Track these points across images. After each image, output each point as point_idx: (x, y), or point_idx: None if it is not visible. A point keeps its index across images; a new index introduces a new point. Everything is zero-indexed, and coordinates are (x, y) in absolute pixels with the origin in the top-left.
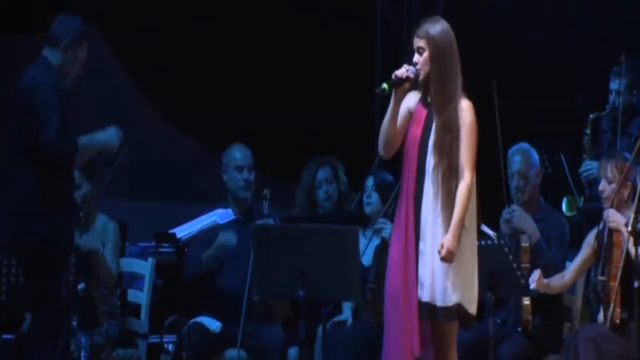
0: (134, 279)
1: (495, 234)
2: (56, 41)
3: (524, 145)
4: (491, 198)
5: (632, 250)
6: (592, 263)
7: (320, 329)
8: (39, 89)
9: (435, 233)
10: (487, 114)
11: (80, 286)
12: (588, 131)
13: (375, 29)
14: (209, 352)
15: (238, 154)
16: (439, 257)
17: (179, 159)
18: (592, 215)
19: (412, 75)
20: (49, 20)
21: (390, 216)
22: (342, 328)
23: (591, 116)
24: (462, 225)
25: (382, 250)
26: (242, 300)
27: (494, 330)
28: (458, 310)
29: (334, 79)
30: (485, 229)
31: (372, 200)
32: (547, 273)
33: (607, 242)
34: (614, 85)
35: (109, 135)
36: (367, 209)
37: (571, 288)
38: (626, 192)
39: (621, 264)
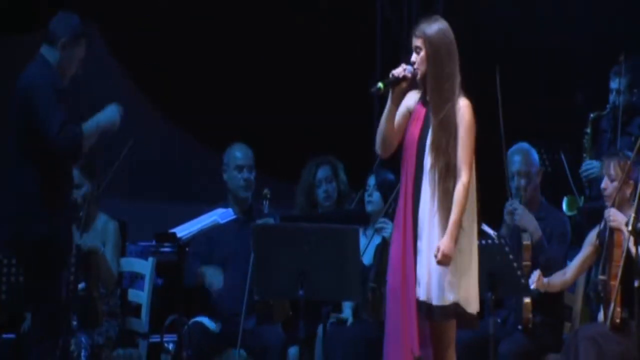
0: (134, 279)
1: (495, 233)
2: (54, 39)
3: (524, 145)
4: (492, 197)
5: (633, 249)
6: (593, 261)
7: (320, 329)
8: (38, 88)
9: (432, 232)
10: (487, 114)
11: (81, 286)
12: (588, 130)
13: (375, 29)
14: (209, 351)
15: (238, 153)
16: (433, 256)
17: (179, 159)
18: (592, 214)
19: (409, 75)
20: (49, 20)
21: (391, 216)
22: (342, 328)
23: (591, 115)
24: (459, 226)
25: (383, 249)
26: (242, 300)
27: (494, 330)
28: (455, 310)
29: (334, 79)
30: (485, 228)
31: (373, 199)
32: (548, 271)
33: (607, 241)
34: (614, 84)
35: (111, 113)
36: (369, 208)
37: (572, 287)
38: (628, 191)
39: (622, 263)
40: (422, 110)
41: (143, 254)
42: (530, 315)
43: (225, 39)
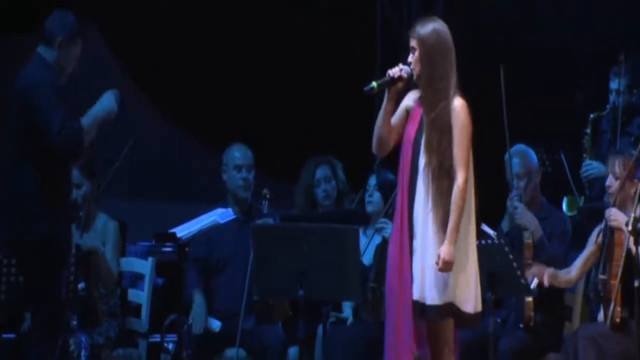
0: (134, 279)
1: (495, 233)
2: (51, 39)
3: (521, 146)
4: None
5: (633, 249)
6: (597, 259)
7: (320, 329)
8: (38, 88)
9: (426, 231)
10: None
11: (80, 286)
12: (588, 131)
13: (375, 29)
14: (209, 351)
15: (237, 153)
16: (428, 257)
17: (179, 159)
18: (592, 214)
19: (405, 75)
20: None
21: (392, 216)
22: (342, 328)
23: (591, 116)
24: (457, 231)
25: (383, 249)
26: (241, 300)
27: (493, 330)
28: (449, 310)
29: (334, 79)
30: (485, 228)
31: (374, 199)
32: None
33: (608, 241)
34: (613, 85)
35: (107, 102)
36: (369, 208)
37: (572, 287)
38: (632, 190)
39: (622, 263)
40: (419, 110)
41: (143, 254)
42: (532, 313)
43: (225, 39)
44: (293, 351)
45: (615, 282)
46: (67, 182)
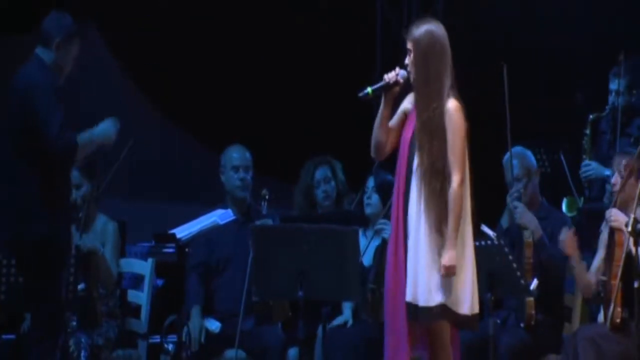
0: (134, 279)
1: (494, 234)
2: (48, 40)
3: (518, 148)
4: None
5: (633, 250)
6: None
7: (320, 330)
8: (38, 89)
9: (419, 232)
10: (487, 114)
11: (80, 286)
12: (588, 131)
13: (375, 29)
14: (209, 352)
15: (235, 154)
16: (420, 258)
17: (179, 159)
18: (592, 215)
19: (401, 80)
20: None
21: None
22: (342, 329)
23: (591, 116)
24: (456, 237)
25: (382, 250)
26: (240, 300)
27: (493, 331)
28: (441, 312)
29: (334, 79)
30: (485, 229)
31: (372, 201)
32: (549, 269)
33: (608, 241)
34: (613, 85)
35: (107, 128)
36: (367, 210)
37: (571, 287)
38: (637, 190)
39: (622, 263)
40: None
41: (143, 255)
42: (533, 312)
43: (225, 39)
44: (293, 352)
45: (615, 283)
46: (66, 182)
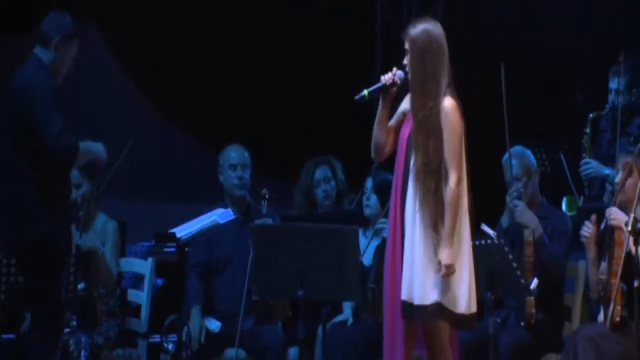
0: (134, 279)
1: (494, 233)
2: (47, 39)
3: (518, 147)
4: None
5: (633, 249)
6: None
7: (320, 329)
8: (36, 89)
9: (414, 232)
10: (487, 114)
11: (80, 286)
12: (588, 131)
13: (375, 29)
14: (209, 351)
15: (233, 153)
16: (416, 256)
17: (179, 159)
18: (592, 214)
19: (398, 81)
20: None
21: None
22: (342, 328)
23: (591, 116)
24: (453, 234)
25: (383, 250)
26: (240, 300)
27: (493, 330)
28: (437, 310)
29: (334, 79)
30: (485, 228)
31: (370, 202)
32: (549, 268)
33: (608, 240)
34: (613, 84)
35: (101, 149)
36: (367, 211)
37: (571, 287)
38: (637, 190)
39: (622, 262)
40: None
41: (143, 254)
42: (533, 311)
43: (225, 39)
44: (293, 351)
45: (615, 281)
46: (66, 182)
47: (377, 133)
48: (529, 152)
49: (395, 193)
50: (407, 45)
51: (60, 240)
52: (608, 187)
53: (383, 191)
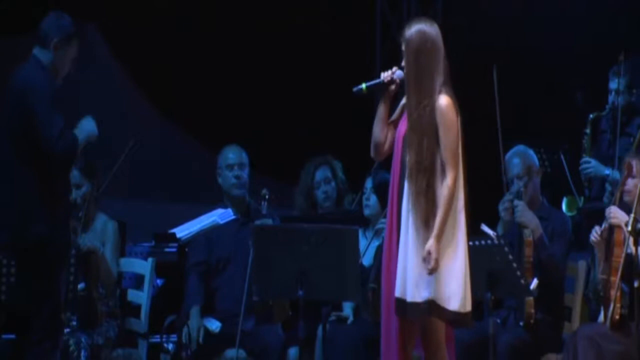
0: (134, 279)
1: (495, 233)
2: (46, 40)
3: (520, 147)
4: (490, 197)
5: (633, 249)
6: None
7: (320, 329)
8: (35, 90)
9: (408, 229)
10: (488, 114)
11: (80, 286)
12: (588, 131)
13: (375, 29)
14: (209, 352)
15: (230, 154)
16: (409, 254)
17: (179, 159)
18: (592, 215)
19: (396, 79)
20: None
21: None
22: (342, 328)
23: (591, 116)
24: (443, 228)
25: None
26: (241, 300)
27: (493, 330)
28: (429, 307)
29: (334, 79)
30: (485, 228)
31: (370, 202)
32: (549, 268)
33: (607, 239)
34: (613, 84)
35: (88, 127)
36: (366, 212)
37: (571, 287)
38: (637, 190)
39: (622, 260)
40: None
41: (144, 255)
42: (533, 311)
43: (226, 39)
44: (293, 352)
45: (616, 279)
46: (65, 182)
47: (376, 131)
48: (531, 152)
49: (392, 191)
50: (403, 46)
51: (59, 240)
52: (608, 187)
53: (383, 191)
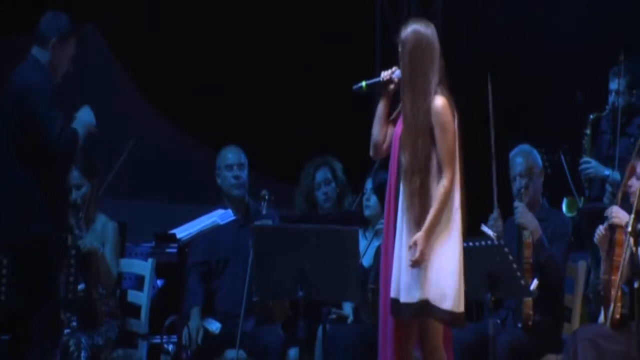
0: (134, 279)
1: (495, 234)
2: (44, 40)
3: (525, 146)
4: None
5: (633, 249)
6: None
7: (320, 329)
8: (35, 90)
9: (402, 230)
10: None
11: (80, 286)
12: (588, 131)
13: (375, 29)
14: (209, 352)
15: (229, 154)
16: (403, 255)
17: (179, 159)
18: (592, 215)
19: (395, 79)
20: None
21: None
22: (342, 328)
23: (591, 116)
24: (434, 225)
25: None
26: (241, 301)
27: (493, 331)
28: (423, 307)
29: (334, 79)
30: (485, 229)
31: (370, 203)
32: (549, 270)
33: (610, 239)
34: (613, 85)
35: (86, 117)
36: (367, 212)
37: (571, 288)
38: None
39: (623, 260)
40: None
41: (144, 255)
42: (531, 312)
43: (226, 39)
44: (293, 352)
45: (616, 279)
46: (65, 182)
47: (375, 130)
48: (535, 152)
49: (389, 191)
50: (399, 47)
51: (58, 240)
52: (608, 188)
53: (383, 192)
